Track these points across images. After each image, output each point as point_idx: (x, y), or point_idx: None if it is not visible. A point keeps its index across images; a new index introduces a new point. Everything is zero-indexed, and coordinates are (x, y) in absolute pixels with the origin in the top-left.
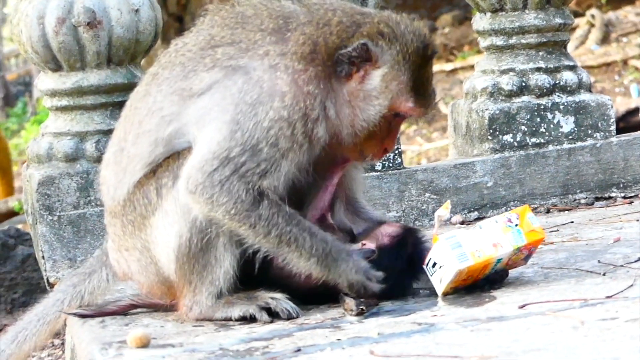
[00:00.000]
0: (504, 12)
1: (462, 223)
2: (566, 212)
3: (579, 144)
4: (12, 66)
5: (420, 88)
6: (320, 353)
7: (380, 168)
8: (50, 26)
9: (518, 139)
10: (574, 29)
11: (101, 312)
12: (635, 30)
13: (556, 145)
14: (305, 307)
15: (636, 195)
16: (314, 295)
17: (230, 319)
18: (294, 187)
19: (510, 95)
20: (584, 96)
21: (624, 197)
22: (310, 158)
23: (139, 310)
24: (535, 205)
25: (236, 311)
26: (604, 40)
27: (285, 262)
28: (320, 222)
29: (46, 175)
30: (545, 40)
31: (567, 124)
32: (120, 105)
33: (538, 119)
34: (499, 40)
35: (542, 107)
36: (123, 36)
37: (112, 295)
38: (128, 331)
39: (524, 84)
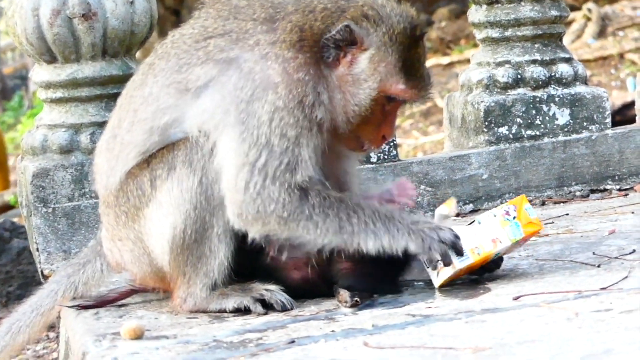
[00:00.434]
0: (499, 5)
1: (457, 215)
2: (561, 204)
3: (574, 136)
4: (9, 60)
5: (411, 69)
6: (314, 345)
7: (375, 160)
8: (45, 18)
9: (513, 131)
10: (570, 22)
11: (102, 301)
12: (632, 24)
13: (551, 137)
14: (299, 299)
15: (631, 188)
16: (308, 287)
17: (225, 311)
18: None
19: (506, 87)
20: (579, 88)
21: (619, 190)
22: (324, 142)
23: (133, 301)
24: (531, 198)
25: (230, 303)
26: (601, 34)
27: (353, 246)
28: None
29: (41, 167)
30: (540, 32)
31: (563, 117)
32: (115, 97)
33: (533, 111)
34: (494, 33)
35: (538, 99)
36: (118, 28)
37: (106, 287)
38: (122, 323)
39: (519, 76)
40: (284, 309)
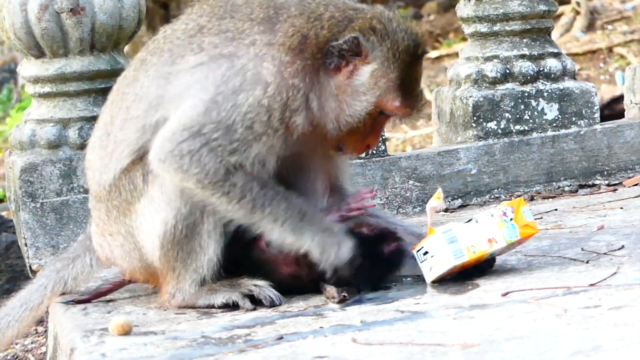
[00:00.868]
0: None
1: (446, 210)
2: (550, 199)
3: (563, 131)
4: None
5: (408, 88)
6: (303, 341)
7: (363, 155)
8: (33, 13)
9: (502, 126)
10: (559, 16)
11: (97, 294)
12: (621, 18)
13: (540, 132)
14: (287, 295)
15: (620, 183)
16: (295, 283)
17: (213, 306)
18: (278, 177)
19: (494, 82)
20: (568, 83)
21: (608, 185)
22: (286, 145)
23: (121, 297)
24: (519, 193)
25: (219, 298)
26: (589, 27)
27: (258, 229)
28: None
29: (29, 162)
30: (529, 27)
31: (551, 111)
32: (103, 91)
33: (522, 106)
34: (483, 27)
35: (526, 94)
36: (106, 22)
37: (95, 282)
38: (110, 318)
39: (508, 71)
40: (272, 304)
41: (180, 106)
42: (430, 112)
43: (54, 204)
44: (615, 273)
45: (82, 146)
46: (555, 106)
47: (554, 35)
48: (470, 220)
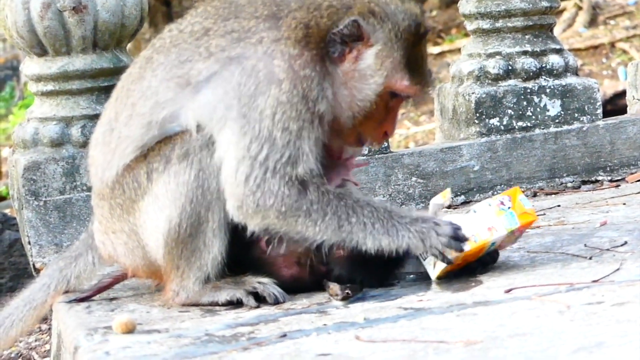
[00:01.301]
0: None
1: (449, 207)
2: (553, 195)
3: (565, 127)
4: (0, 50)
5: (415, 65)
6: (306, 338)
7: (366, 152)
8: (35, 11)
9: (505, 122)
10: (561, 11)
11: (99, 288)
12: (623, 13)
13: (543, 128)
14: (291, 293)
15: (623, 179)
16: (297, 284)
17: (217, 304)
18: None
19: (497, 78)
20: (570, 79)
21: (611, 181)
22: (324, 135)
23: (124, 295)
24: (522, 189)
25: (223, 296)
26: (592, 23)
27: (351, 242)
28: None
29: (32, 160)
30: (531, 23)
31: (554, 108)
32: (106, 90)
33: (524, 103)
34: (485, 24)
35: (529, 90)
36: (109, 20)
37: (97, 280)
38: (114, 317)
39: (510, 68)
40: (276, 302)
41: (219, 136)
42: (433, 107)
43: (57, 202)
44: (618, 269)
45: (85, 144)
46: (558, 102)
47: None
48: (469, 211)
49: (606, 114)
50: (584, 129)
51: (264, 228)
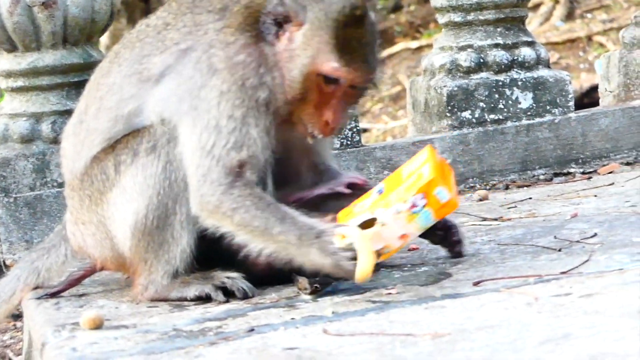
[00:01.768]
0: None
1: None
2: (525, 188)
3: (537, 120)
4: None
5: (347, 48)
6: (274, 332)
7: (338, 146)
8: (4, 7)
9: (476, 115)
10: (538, 5)
11: (69, 283)
12: (600, 6)
13: (515, 121)
14: (260, 286)
15: (595, 171)
16: (270, 275)
17: (186, 299)
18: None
19: (469, 71)
20: (542, 72)
21: (583, 173)
22: (273, 123)
23: (94, 290)
24: (494, 182)
25: (192, 291)
26: (569, 16)
27: (255, 249)
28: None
29: (2, 156)
30: (503, 16)
31: (526, 100)
32: (76, 85)
33: (496, 95)
34: (457, 17)
35: (501, 83)
36: (78, 16)
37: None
38: (82, 312)
39: (482, 60)
40: (245, 296)
41: (179, 128)
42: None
43: (27, 199)
44: (587, 261)
45: (56, 140)
46: (530, 95)
47: (533, 24)
48: (374, 220)
49: (583, 106)
50: (556, 121)
51: (217, 227)
